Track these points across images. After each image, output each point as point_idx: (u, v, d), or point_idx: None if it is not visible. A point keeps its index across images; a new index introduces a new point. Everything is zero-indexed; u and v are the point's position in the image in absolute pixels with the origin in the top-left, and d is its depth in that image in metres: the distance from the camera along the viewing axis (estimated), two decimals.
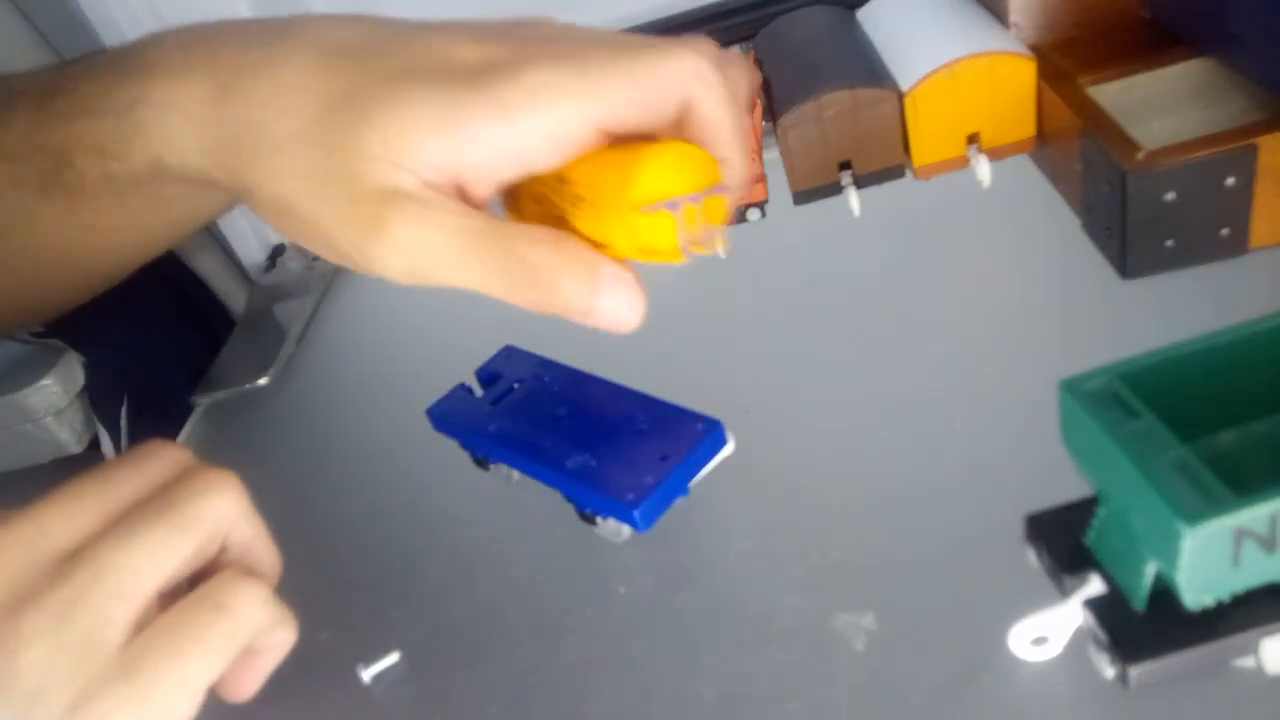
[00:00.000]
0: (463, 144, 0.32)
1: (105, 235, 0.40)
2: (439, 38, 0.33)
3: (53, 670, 0.27)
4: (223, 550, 0.33)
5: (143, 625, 0.29)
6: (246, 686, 0.34)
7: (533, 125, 0.32)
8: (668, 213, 0.40)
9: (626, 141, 0.40)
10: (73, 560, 0.28)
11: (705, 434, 0.46)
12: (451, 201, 0.33)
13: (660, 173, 0.39)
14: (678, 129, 0.36)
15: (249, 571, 0.32)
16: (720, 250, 0.64)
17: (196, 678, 0.29)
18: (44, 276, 0.42)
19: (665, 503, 0.44)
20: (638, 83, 0.33)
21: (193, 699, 0.29)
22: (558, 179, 0.40)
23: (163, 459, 0.32)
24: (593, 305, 0.36)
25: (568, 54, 0.33)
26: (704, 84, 0.34)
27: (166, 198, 0.38)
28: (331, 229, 0.32)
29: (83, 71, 0.36)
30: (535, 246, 0.34)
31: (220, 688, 0.33)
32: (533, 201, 0.44)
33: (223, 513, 0.31)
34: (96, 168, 0.36)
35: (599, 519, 0.47)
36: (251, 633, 0.30)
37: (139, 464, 0.32)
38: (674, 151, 0.39)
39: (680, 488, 0.45)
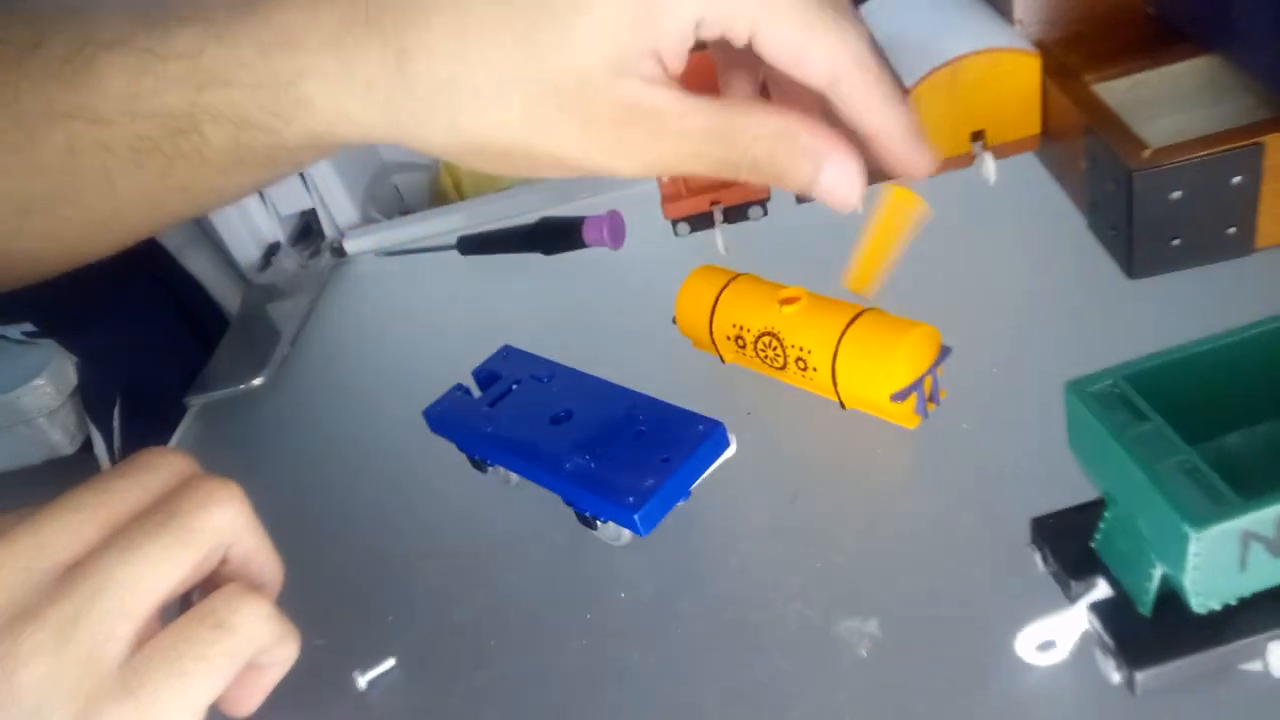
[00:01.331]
0: (658, 21, 0.32)
1: (195, 198, 0.39)
2: None
3: (53, 687, 0.26)
4: (224, 562, 0.32)
5: (143, 640, 0.28)
6: (248, 702, 0.33)
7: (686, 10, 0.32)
8: (913, 394, 0.47)
9: (831, 305, 0.50)
10: (73, 575, 0.28)
11: (707, 435, 0.45)
12: (677, 96, 0.34)
13: (906, 365, 0.47)
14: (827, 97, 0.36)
15: (251, 585, 0.32)
16: (720, 247, 0.64)
17: (198, 696, 0.28)
18: (95, 232, 0.41)
19: (666, 506, 0.44)
20: (802, 33, 0.33)
21: (194, 717, 0.29)
22: (767, 332, 0.51)
23: (163, 468, 0.32)
24: (818, 181, 0.36)
25: None
26: (855, 72, 0.34)
27: (296, 161, 0.37)
28: (570, 159, 0.33)
29: (206, 30, 0.33)
30: (760, 139, 0.35)
31: (222, 703, 0.32)
32: (733, 343, 0.54)
33: (225, 525, 0.31)
34: (229, 137, 0.34)
35: (599, 522, 0.46)
36: (254, 650, 0.30)
37: (139, 473, 0.31)
38: (912, 340, 0.47)
39: (682, 490, 0.45)
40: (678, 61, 0.34)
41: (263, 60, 0.33)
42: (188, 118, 0.34)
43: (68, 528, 0.29)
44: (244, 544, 0.32)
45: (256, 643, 0.30)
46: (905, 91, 0.38)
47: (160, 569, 0.29)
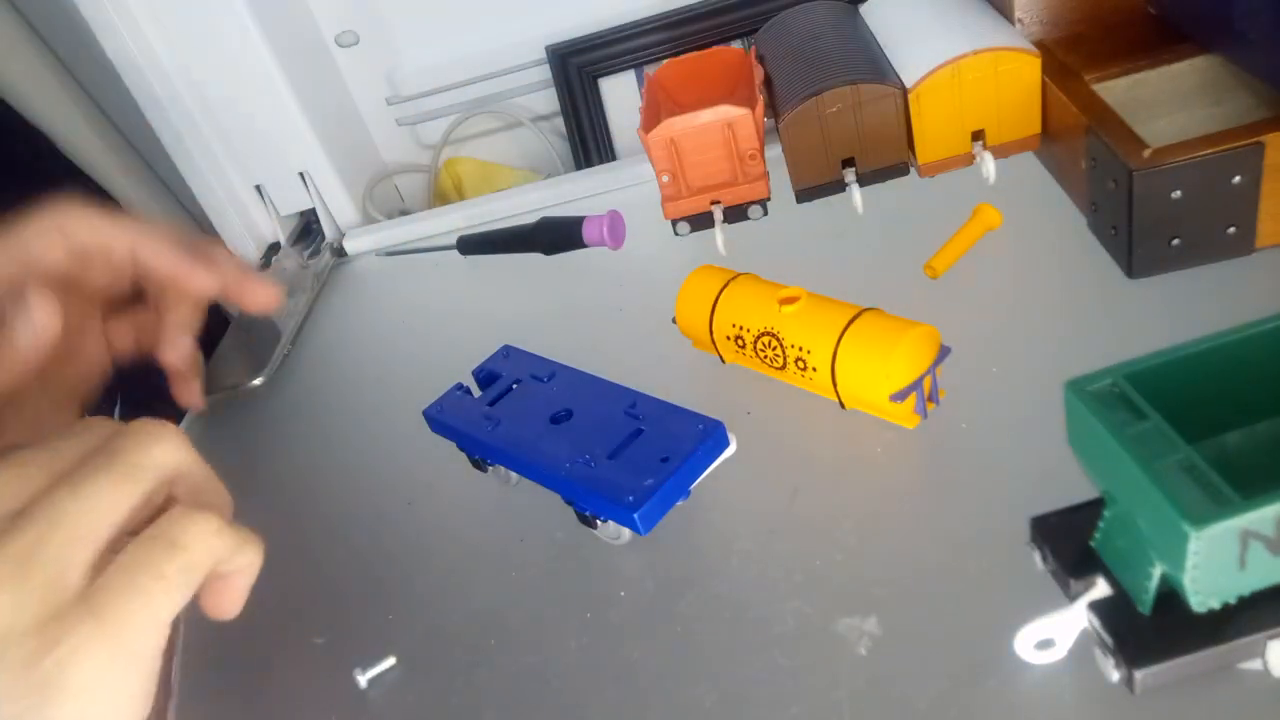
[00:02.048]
0: None
1: None
2: None
3: (18, 615, 0.28)
4: (171, 498, 0.34)
5: (99, 570, 0.30)
6: (229, 606, 0.35)
7: None
8: (913, 394, 0.48)
9: (822, 303, 0.51)
10: (26, 512, 0.29)
11: (707, 435, 0.45)
12: None
13: (906, 365, 0.47)
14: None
15: (196, 507, 0.33)
16: (720, 247, 0.64)
17: (159, 611, 0.30)
18: None
19: (666, 505, 0.44)
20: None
21: (159, 632, 0.30)
22: (767, 332, 0.51)
23: (101, 427, 0.33)
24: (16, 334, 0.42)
25: None
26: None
27: None
28: None
29: None
30: None
31: (206, 610, 0.34)
32: (733, 343, 0.54)
33: (168, 459, 0.32)
34: None
35: (599, 521, 0.46)
36: (209, 564, 0.31)
37: (81, 431, 0.33)
38: (911, 340, 0.47)
39: (681, 490, 0.45)
40: None
41: None
42: None
43: (17, 478, 0.30)
44: (189, 478, 0.33)
45: (210, 556, 0.31)
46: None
47: (109, 500, 0.30)
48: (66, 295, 0.43)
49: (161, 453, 0.32)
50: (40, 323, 0.40)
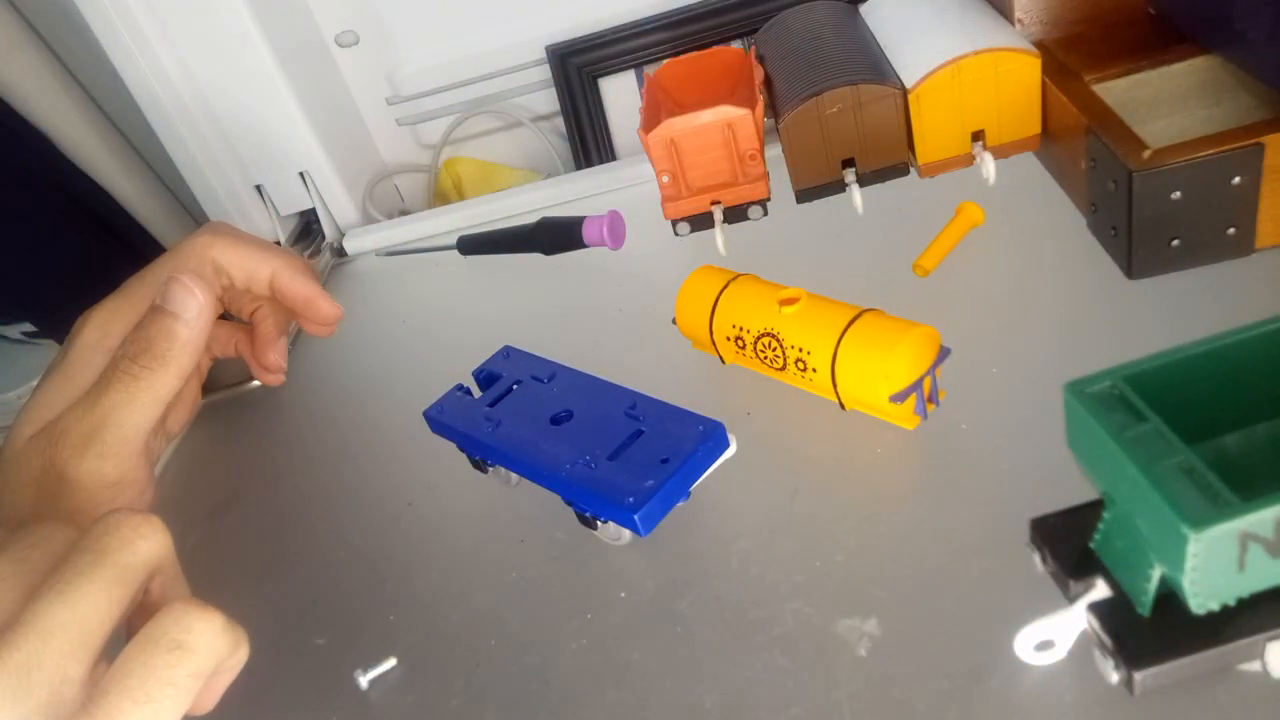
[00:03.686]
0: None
1: None
2: None
3: None
4: (146, 591, 0.33)
5: (95, 678, 0.29)
6: (208, 702, 0.33)
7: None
8: (912, 395, 0.48)
9: (824, 303, 0.51)
10: (15, 626, 0.28)
11: (707, 436, 0.45)
12: None
13: (906, 366, 0.47)
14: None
15: (194, 602, 0.32)
16: (720, 247, 0.64)
17: (167, 718, 0.29)
18: None
19: (666, 506, 0.44)
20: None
21: None
22: (767, 333, 0.51)
23: (56, 530, 0.33)
24: (177, 327, 0.41)
25: None
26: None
27: None
28: None
29: None
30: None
31: None
32: (733, 344, 0.54)
33: (153, 553, 0.31)
34: None
35: (599, 522, 0.47)
36: (214, 664, 0.30)
37: (40, 540, 0.32)
38: (911, 340, 0.47)
39: (681, 491, 0.45)
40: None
41: None
42: None
43: None
44: (167, 569, 0.33)
45: (216, 657, 0.30)
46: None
47: (100, 607, 0.29)
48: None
49: (147, 548, 0.31)
50: (201, 299, 0.40)
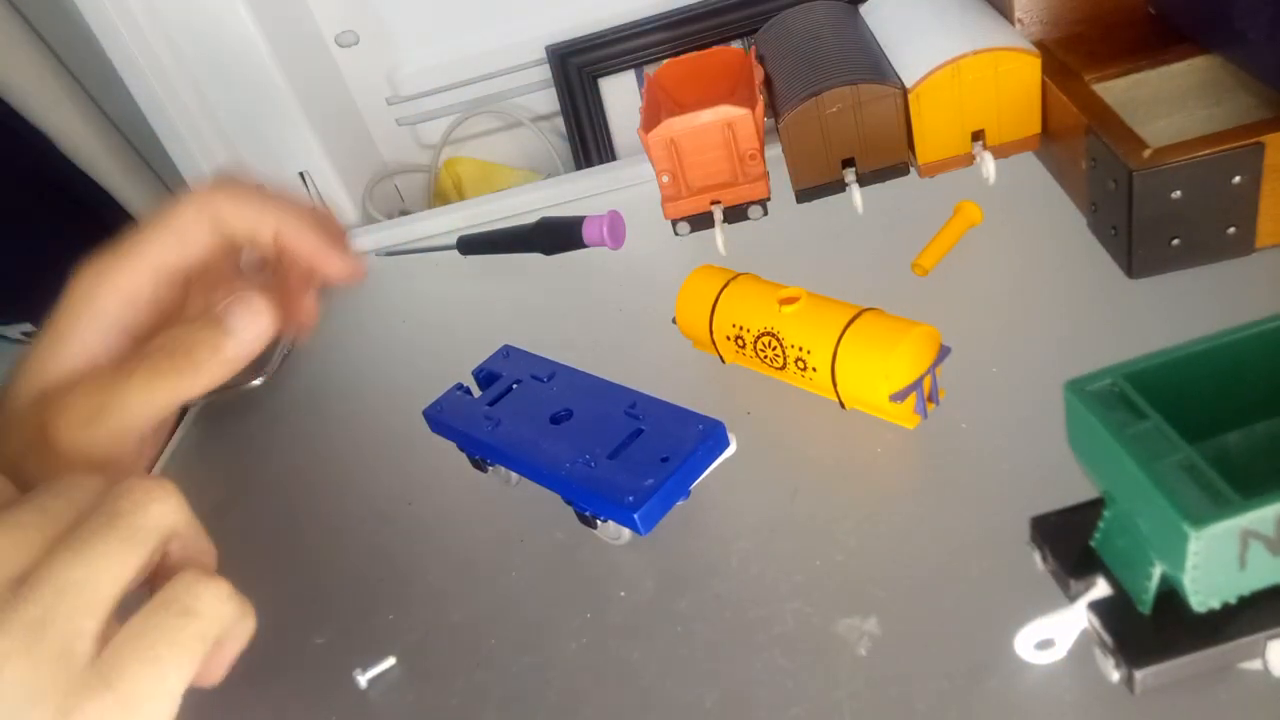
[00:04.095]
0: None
1: None
2: None
3: (31, 688, 0.27)
4: (166, 554, 0.33)
5: (107, 636, 0.29)
6: (214, 673, 0.34)
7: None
8: (912, 394, 0.48)
9: (826, 303, 0.51)
10: (31, 582, 0.28)
11: (706, 435, 0.45)
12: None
13: (906, 365, 0.47)
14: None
15: (204, 569, 0.33)
16: (720, 247, 0.64)
17: (174, 681, 0.29)
18: None
19: (666, 505, 0.44)
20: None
21: (172, 702, 0.29)
22: (767, 332, 0.51)
23: (87, 482, 0.33)
24: (227, 328, 0.40)
25: None
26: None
27: None
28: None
29: None
30: (166, 338, 0.39)
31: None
32: (733, 343, 0.54)
33: (167, 519, 0.32)
34: None
35: (599, 521, 0.47)
36: (220, 631, 0.31)
37: (67, 490, 0.32)
38: (911, 340, 0.47)
39: (681, 490, 0.45)
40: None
41: None
42: None
43: (14, 543, 0.29)
44: (184, 535, 0.33)
45: (222, 623, 0.31)
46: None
47: (115, 567, 0.29)
48: (206, 280, 0.43)
49: (161, 513, 0.31)
50: (265, 326, 0.39)
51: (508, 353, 0.55)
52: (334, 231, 0.44)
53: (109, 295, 0.39)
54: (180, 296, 0.42)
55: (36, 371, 0.39)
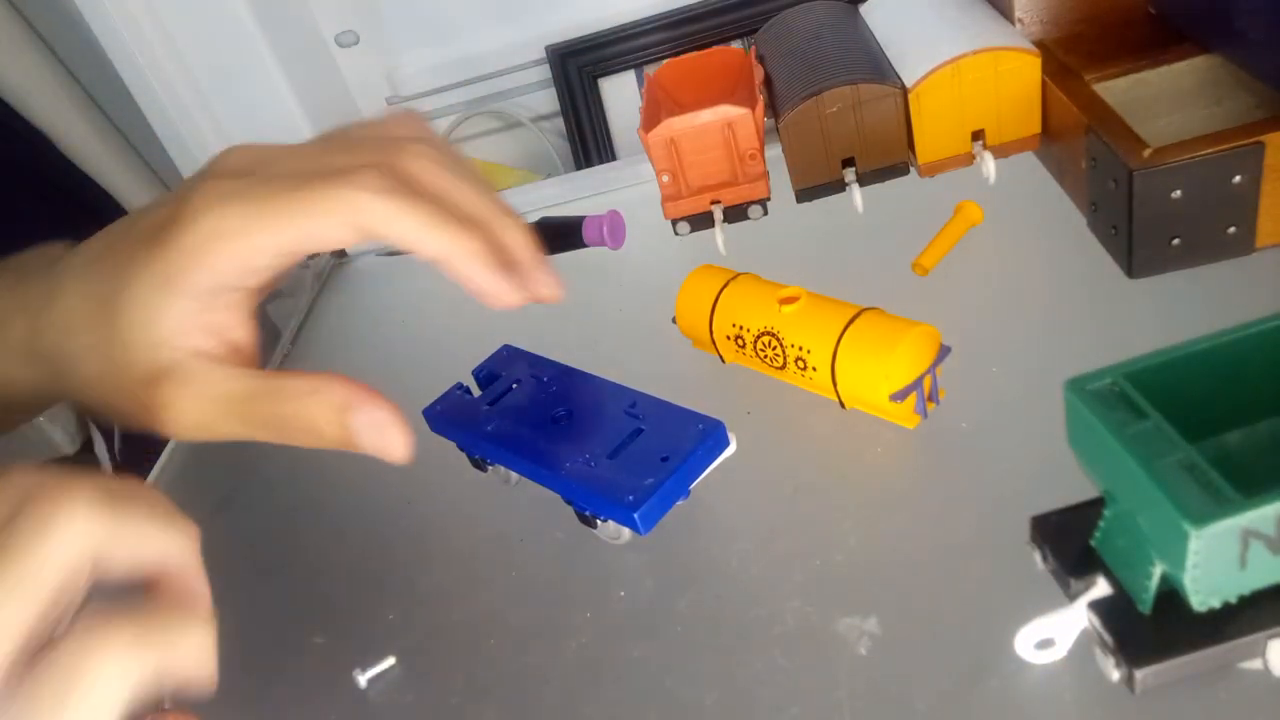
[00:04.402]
0: (184, 309, 0.35)
1: None
2: (150, 209, 0.38)
3: None
4: (151, 582, 0.29)
5: (11, 684, 0.25)
6: (200, 684, 0.29)
7: (218, 265, 0.35)
8: (913, 393, 0.48)
9: (830, 303, 0.51)
10: None
11: (706, 435, 0.45)
12: (213, 366, 0.36)
13: (906, 365, 0.47)
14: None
15: (119, 612, 0.27)
16: (720, 247, 0.64)
17: None
18: None
19: (666, 505, 0.44)
20: (304, 220, 0.35)
21: None
22: (767, 332, 0.51)
23: (7, 488, 0.27)
24: (351, 430, 0.39)
25: (242, 192, 0.35)
26: (376, 210, 0.36)
27: (10, 409, 0.44)
28: (129, 416, 0.37)
29: None
30: (293, 400, 0.38)
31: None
32: (733, 343, 0.54)
33: (76, 547, 0.26)
34: None
35: (599, 521, 0.46)
36: (129, 692, 0.25)
37: None
38: (911, 339, 0.47)
39: (681, 489, 0.45)
40: (240, 312, 0.37)
41: None
42: None
43: None
44: (124, 549, 0.28)
45: (128, 682, 0.25)
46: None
47: (3, 617, 0.24)
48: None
49: (66, 542, 0.26)
50: (401, 450, 0.38)
51: (508, 353, 0.55)
52: (517, 244, 0.41)
53: (241, 255, 0.35)
54: (270, 284, 0.38)
55: (134, 271, 0.35)
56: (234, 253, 0.35)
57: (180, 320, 0.35)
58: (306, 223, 0.35)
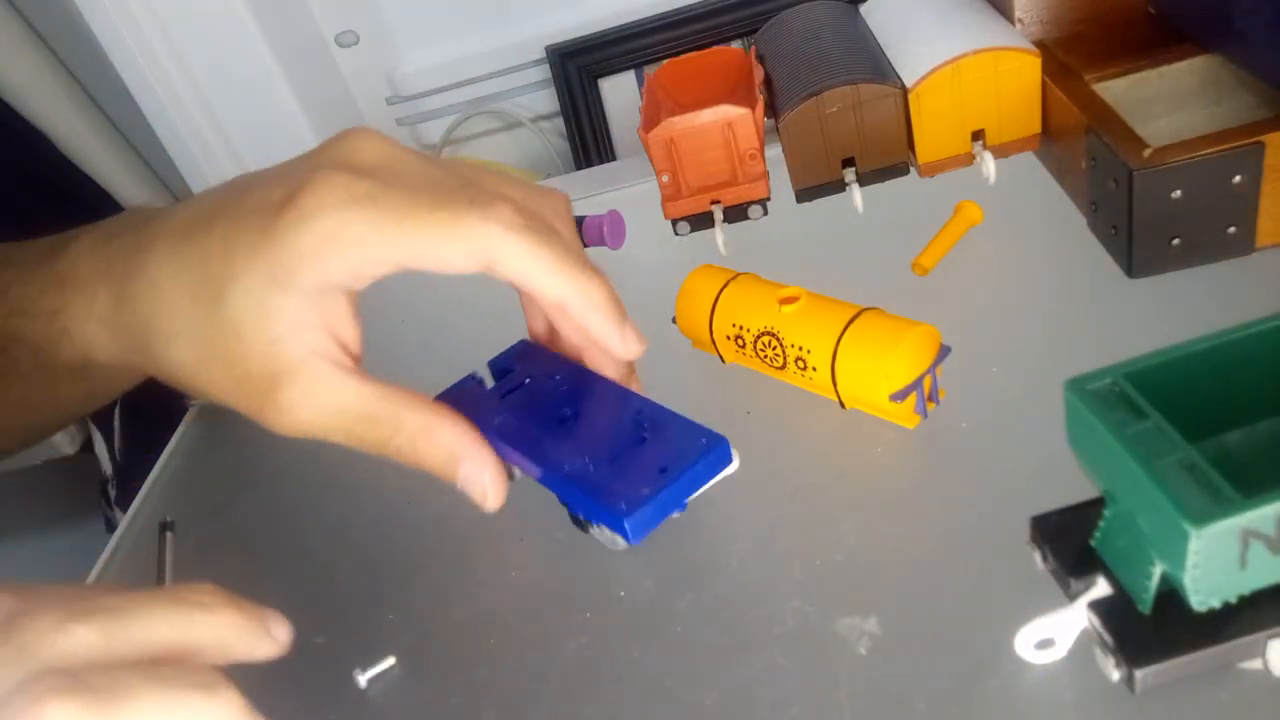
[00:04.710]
0: (298, 305, 0.35)
1: (34, 410, 0.45)
2: (257, 186, 0.36)
3: None
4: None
5: None
6: None
7: (332, 268, 0.34)
8: (913, 394, 0.48)
9: (831, 304, 0.51)
10: None
11: (709, 450, 0.44)
12: (332, 373, 0.36)
13: (906, 365, 0.47)
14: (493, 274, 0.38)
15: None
16: (720, 247, 0.64)
17: None
18: None
19: (660, 516, 0.43)
20: (431, 241, 0.35)
21: None
22: (767, 332, 0.51)
23: None
24: (455, 477, 0.39)
25: (371, 197, 0.34)
26: (508, 246, 0.35)
27: (94, 380, 0.44)
28: (232, 402, 0.37)
29: (14, 273, 0.41)
30: (403, 430, 0.38)
31: None
32: (733, 343, 0.54)
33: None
34: (31, 356, 0.41)
35: (592, 526, 0.46)
36: None
37: None
38: (911, 339, 0.47)
39: (677, 502, 0.44)
40: (349, 307, 0.37)
41: (42, 297, 0.40)
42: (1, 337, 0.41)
43: None
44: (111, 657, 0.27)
45: None
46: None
47: None
48: None
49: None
50: (495, 503, 0.39)
51: (524, 348, 0.55)
52: (618, 306, 0.40)
53: (357, 263, 0.34)
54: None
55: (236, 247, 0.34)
56: (352, 260, 0.34)
57: (296, 317, 0.35)
58: (433, 247, 0.34)
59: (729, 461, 0.45)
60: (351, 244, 0.33)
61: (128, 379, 0.46)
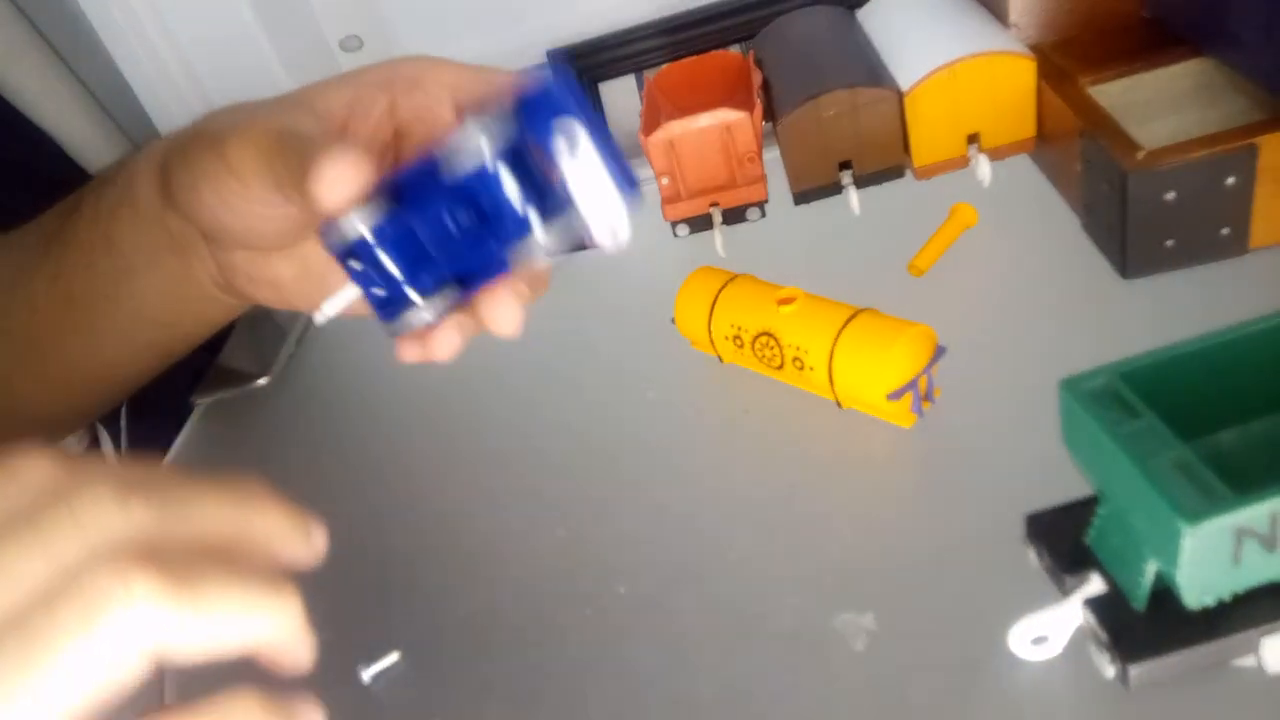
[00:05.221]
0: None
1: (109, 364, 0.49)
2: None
3: None
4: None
5: None
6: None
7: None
8: (908, 393, 0.48)
9: (821, 302, 0.51)
10: None
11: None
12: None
13: (902, 365, 0.48)
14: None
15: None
16: (719, 248, 0.64)
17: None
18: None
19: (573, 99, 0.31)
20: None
21: None
22: (765, 332, 0.52)
23: (33, 474, 0.24)
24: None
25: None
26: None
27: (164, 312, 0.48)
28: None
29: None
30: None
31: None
32: (731, 343, 0.54)
33: (136, 636, 0.23)
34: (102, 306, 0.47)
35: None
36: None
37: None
38: (907, 339, 0.48)
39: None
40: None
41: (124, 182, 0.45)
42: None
43: None
44: (195, 643, 0.24)
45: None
46: None
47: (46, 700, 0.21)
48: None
49: (120, 634, 0.22)
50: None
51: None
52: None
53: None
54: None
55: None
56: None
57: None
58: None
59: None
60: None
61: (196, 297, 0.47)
